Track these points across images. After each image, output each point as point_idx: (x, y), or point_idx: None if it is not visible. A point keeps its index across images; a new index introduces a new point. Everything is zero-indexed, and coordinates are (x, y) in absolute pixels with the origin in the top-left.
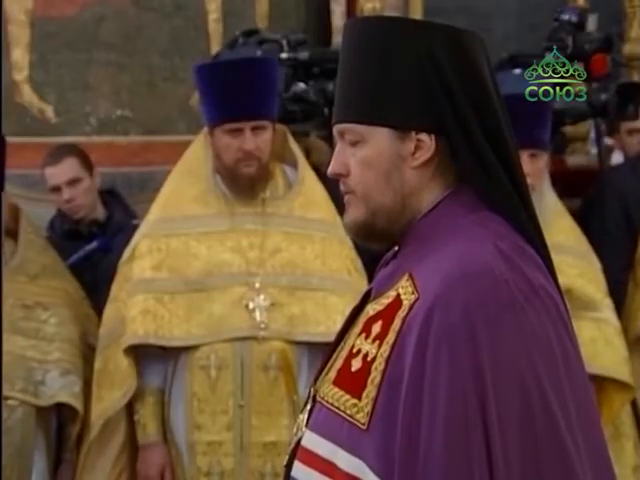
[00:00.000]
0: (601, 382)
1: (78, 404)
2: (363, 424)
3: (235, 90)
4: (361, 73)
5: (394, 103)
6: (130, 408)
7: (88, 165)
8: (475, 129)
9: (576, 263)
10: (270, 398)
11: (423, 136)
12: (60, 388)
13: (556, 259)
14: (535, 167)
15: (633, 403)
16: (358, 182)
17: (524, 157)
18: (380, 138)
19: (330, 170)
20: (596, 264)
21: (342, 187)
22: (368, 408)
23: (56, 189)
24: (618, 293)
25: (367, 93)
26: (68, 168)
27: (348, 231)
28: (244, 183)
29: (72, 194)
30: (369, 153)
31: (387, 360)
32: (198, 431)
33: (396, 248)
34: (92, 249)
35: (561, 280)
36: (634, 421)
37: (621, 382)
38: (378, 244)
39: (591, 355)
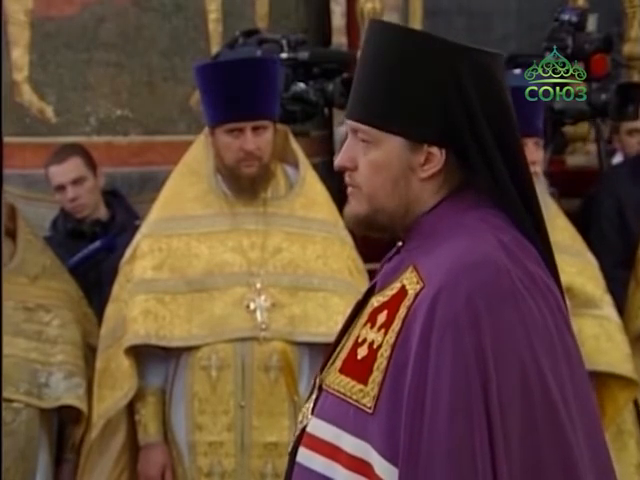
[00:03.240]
0: (605, 379)
1: (84, 406)
2: (369, 408)
3: (236, 90)
4: (383, 79)
5: (411, 115)
6: (131, 408)
7: (92, 165)
8: (491, 146)
9: (574, 261)
10: (271, 399)
11: (434, 149)
12: (65, 390)
13: (556, 258)
14: (540, 155)
15: (635, 401)
16: (365, 182)
17: (530, 145)
18: (392, 145)
19: (337, 163)
20: (593, 262)
21: (347, 179)
22: (374, 392)
23: (60, 188)
24: (612, 291)
25: (386, 100)
26: (73, 167)
27: (347, 222)
28: (245, 183)
29: (76, 193)
30: (380, 157)
31: (393, 346)
32: (199, 431)
33: (399, 244)
34: (95, 248)
35: (561, 278)
36: (636, 418)
37: (625, 379)
38: (377, 235)
39: (594, 352)
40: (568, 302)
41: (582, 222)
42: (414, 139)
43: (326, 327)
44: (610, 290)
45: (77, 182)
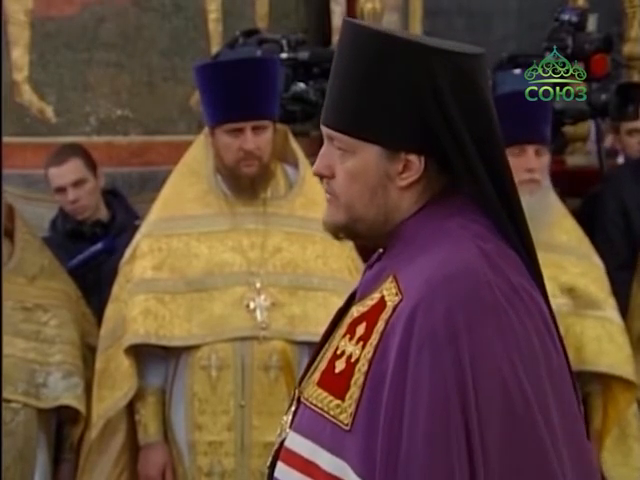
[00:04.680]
0: (607, 381)
1: (82, 407)
2: (346, 425)
3: (236, 90)
4: (357, 85)
5: (387, 122)
6: (131, 408)
7: (92, 166)
8: (471, 150)
9: (579, 263)
10: (271, 398)
11: (412, 157)
12: (63, 390)
13: (560, 258)
14: (540, 163)
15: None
16: (342, 190)
17: (530, 153)
18: (368, 154)
19: (314, 170)
20: (599, 264)
21: (325, 186)
22: (351, 409)
23: (61, 190)
24: (615, 293)
25: (361, 107)
26: (73, 169)
27: (326, 230)
28: (245, 183)
29: (77, 195)
30: (356, 166)
31: (370, 361)
32: (199, 431)
33: (380, 250)
34: (97, 250)
35: (564, 279)
36: None
37: (626, 381)
38: (357, 243)
39: (596, 353)
40: (571, 302)
41: (582, 222)
42: (391, 147)
43: (325, 327)
44: (615, 292)
45: (77, 184)
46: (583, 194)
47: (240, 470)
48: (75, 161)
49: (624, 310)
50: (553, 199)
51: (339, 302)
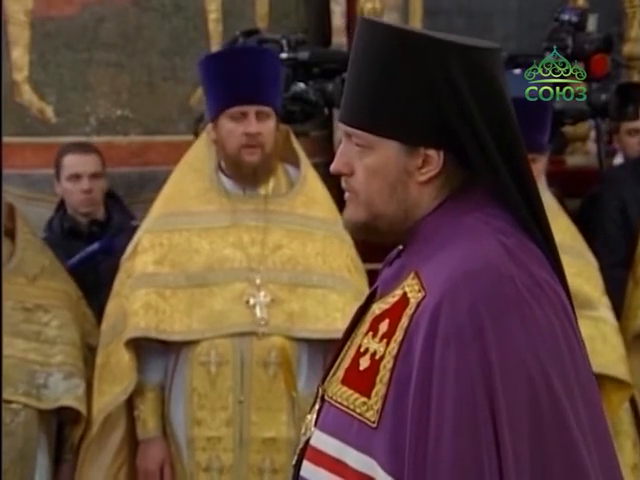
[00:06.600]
0: (600, 381)
1: (82, 407)
2: (373, 422)
3: (239, 75)
4: (374, 82)
5: (405, 118)
6: (130, 403)
7: (104, 166)
8: (489, 142)
9: (573, 262)
10: (269, 394)
11: (431, 152)
12: (64, 391)
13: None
14: (535, 171)
15: (632, 401)
16: (362, 187)
17: None
18: (388, 149)
19: (333, 168)
20: (593, 263)
21: (344, 184)
22: (378, 406)
23: (76, 177)
24: (612, 290)
25: (379, 104)
26: (94, 161)
27: (346, 228)
28: (247, 171)
29: (92, 185)
30: (376, 162)
31: (395, 358)
32: (198, 426)
33: (400, 247)
34: (94, 250)
35: None
36: (633, 419)
37: (619, 380)
38: (377, 240)
39: (589, 354)
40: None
41: (582, 222)
42: (409, 142)
43: (324, 324)
44: (612, 290)
45: (94, 177)
46: (583, 194)
47: (238, 465)
48: (95, 156)
49: (620, 307)
50: (548, 198)
51: (338, 299)
